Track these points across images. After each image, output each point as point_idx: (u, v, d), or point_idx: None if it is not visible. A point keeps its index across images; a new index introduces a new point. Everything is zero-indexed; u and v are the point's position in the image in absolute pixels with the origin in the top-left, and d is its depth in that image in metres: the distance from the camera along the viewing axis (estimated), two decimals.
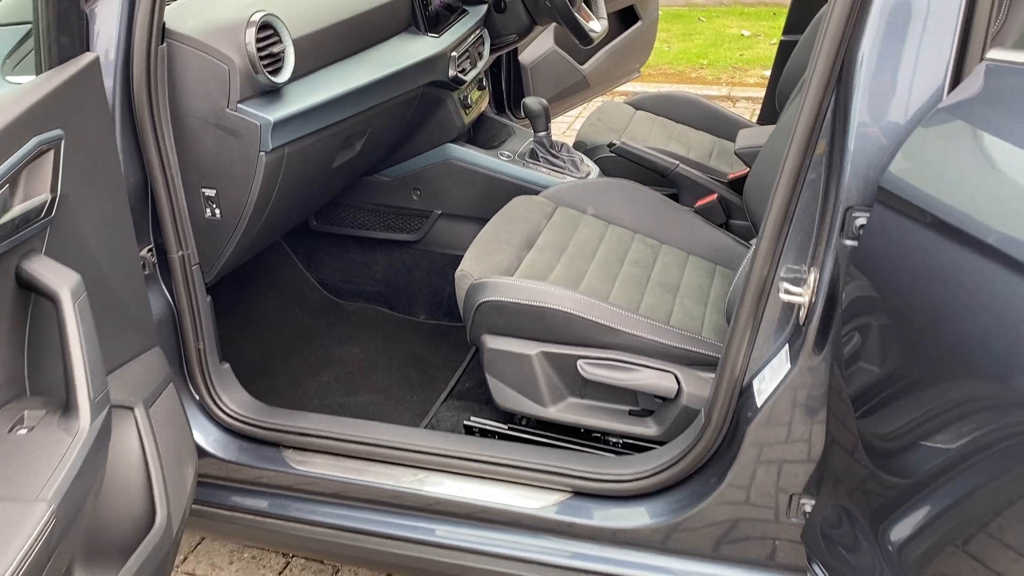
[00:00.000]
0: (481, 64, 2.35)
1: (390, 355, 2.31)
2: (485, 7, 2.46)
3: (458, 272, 1.84)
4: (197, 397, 1.76)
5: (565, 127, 4.98)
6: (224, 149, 1.60)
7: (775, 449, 1.44)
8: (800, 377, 1.35)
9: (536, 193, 2.19)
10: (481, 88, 2.45)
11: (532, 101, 2.29)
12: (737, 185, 2.35)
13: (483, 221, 2.14)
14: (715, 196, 2.19)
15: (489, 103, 3.33)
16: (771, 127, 2.25)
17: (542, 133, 2.32)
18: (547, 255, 1.93)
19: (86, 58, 1.31)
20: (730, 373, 1.45)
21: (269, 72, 1.60)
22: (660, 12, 7.19)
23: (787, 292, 1.33)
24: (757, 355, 1.44)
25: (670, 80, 5.74)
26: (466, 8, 2.40)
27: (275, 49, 1.61)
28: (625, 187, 2.19)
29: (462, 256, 1.92)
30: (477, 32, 2.38)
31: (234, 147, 1.60)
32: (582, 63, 3.33)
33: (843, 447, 1.35)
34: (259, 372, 2.21)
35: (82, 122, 1.28)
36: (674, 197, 2.36)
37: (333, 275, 2.54)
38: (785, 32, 2.89)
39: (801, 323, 1.35)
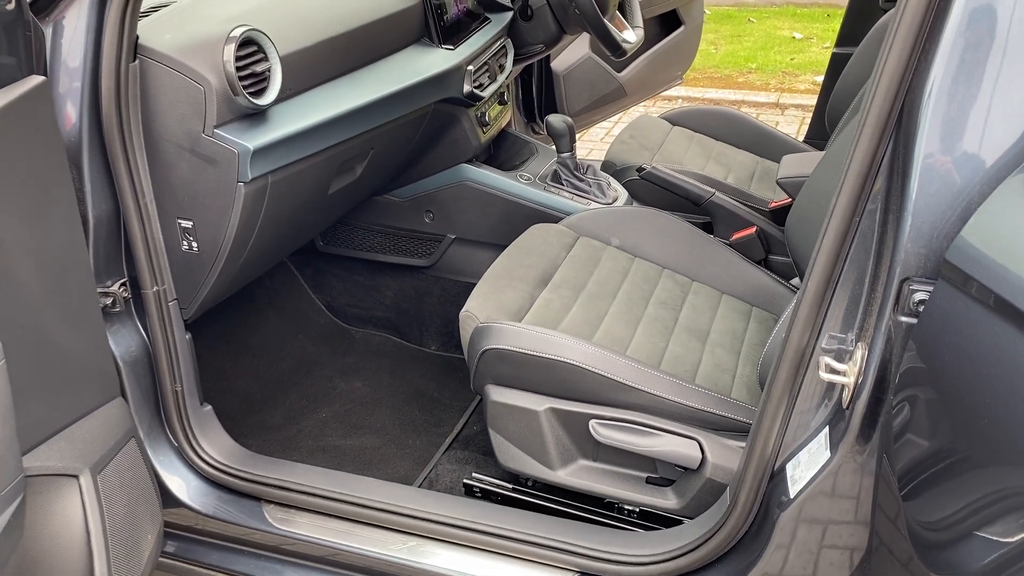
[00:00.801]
0: (502, 77, 2.17)
1: (395, 390, 2.14)
2: (510, 15, 2.28)
3: (463, 312, 1.67)
4: (175, 443, 1.62)
5: (604, 132, 4.78)
6: (200, 178, 1.45)
7: (810, 544, 1.24)
8: (841, 468, 1.15)
9: (557, 220, 2.00)
10: (503, 103, 2.27)
11: (556, 119, 2.10)
12: (779, 215, 2.14)
13: (500, 248, 1.97)
14: (754, 229, 1.98)
15: (518, 112, 3.16)
16: (818, 154, 2.03)
17: (566, 154, 2.13)
18: (564, 294, 1.75)
19: (30, 82, 1.16)
20: (760, 452, 1.26)
21: (251, 94, 1.43)
22: (708, 12, 6.92)
23: (829, 370, 1.13)
24: (792, 434, 1.24)
25: (716, 85, 5.49)
26: (488, 16, 2.22)
27: (259, 68, 1.44)
28: (654, 217, 1.99)
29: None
30: (500, 42, 2.19)
31: (211, 176, 1.44)
32: (619, 70, 3.14)
33: (892, 550, 1.15)
34: (253, 406, 2.06)
35: (22, 156, 1.13)
36: (708, 227, 2.16)
37: (340, 298, 2.38)
38: (838, 44, 2.65)
39: (845, 405, 1.15)
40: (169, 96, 1.41)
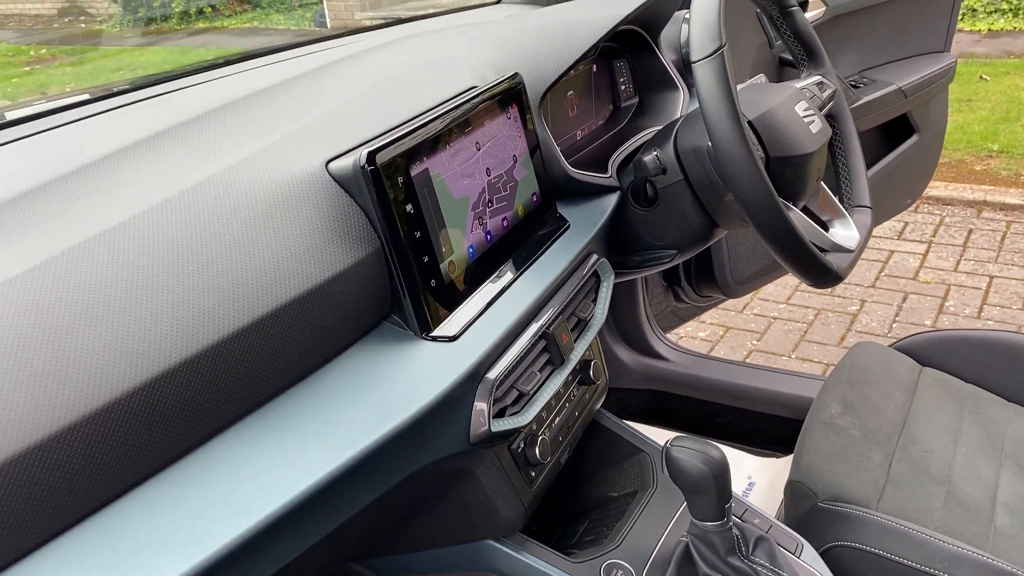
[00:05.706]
0: (582, 346, 1.07)
1: None
2: (612, 203, 1.20)
3: None
4: None
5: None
6: None
7: None
8: None
9: None
10: (586, 382, 1.17)
11: (692, 464, 0.98)
12: None
13: None
14: None
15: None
16: None
17: (712, 524, 1.01)
18: None
19: None
20: None
21: None
22: None
23: None
24: None
25: (945, 176, 4.12)
26: (565, 217, 1.14)
27: None
28: None
29: None
30: (587, 270, 1.11)
31: None
32: None
33: None
34: None
35: None
36: None
37: None
38: None
39: None
40: None
